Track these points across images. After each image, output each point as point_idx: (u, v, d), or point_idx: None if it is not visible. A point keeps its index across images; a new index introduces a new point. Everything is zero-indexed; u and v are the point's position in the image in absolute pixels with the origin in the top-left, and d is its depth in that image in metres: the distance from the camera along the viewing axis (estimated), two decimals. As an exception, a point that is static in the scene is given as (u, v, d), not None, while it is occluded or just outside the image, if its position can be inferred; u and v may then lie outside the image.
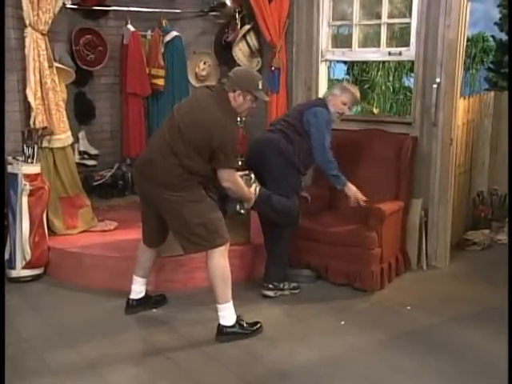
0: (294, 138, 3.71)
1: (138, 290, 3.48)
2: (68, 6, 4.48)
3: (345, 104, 3.85)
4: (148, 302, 3.54)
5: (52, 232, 4.20)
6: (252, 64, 5.04)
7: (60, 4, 4.09)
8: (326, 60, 4.81)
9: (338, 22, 4.80)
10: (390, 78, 6.50)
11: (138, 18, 4.95)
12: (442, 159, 4.21)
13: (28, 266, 3.95)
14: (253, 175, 3.51)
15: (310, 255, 4.03)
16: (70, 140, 4.36)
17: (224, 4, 5.01)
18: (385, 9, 4.46)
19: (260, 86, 3.18)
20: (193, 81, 5.31)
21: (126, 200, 5.10)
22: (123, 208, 4.95)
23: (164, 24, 4.97)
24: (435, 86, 4.12)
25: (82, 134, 4.93)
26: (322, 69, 4.80)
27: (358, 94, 3.93)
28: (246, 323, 3.22)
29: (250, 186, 3.45)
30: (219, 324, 3.16)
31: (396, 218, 4.09)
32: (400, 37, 5.13)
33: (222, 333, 3.15)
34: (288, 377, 2.83)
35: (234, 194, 3.27)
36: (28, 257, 3.94)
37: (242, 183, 3.29)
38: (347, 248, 3.87)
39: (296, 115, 3.82)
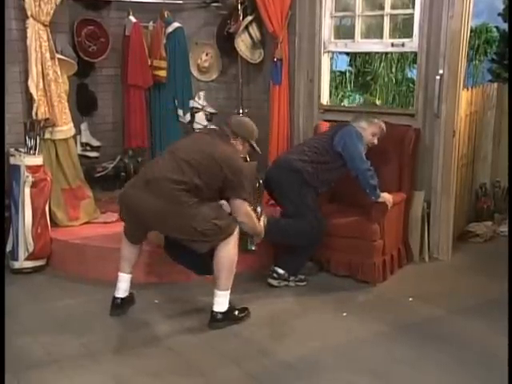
0: (312, 157, 3.77)
1: (124, 287, 3.40)
2: (70, -4, 4.46)
3: (374, 135, 3.91)
4: (132, 299, 3.47)
5: (54, 223, 4.21)
6: (254, 55, 5.02)
7: (62, -6, 4.08)
8: (328, 51, 4.78)
9: (341, 13, 4.77)
10: (393, 70, 6.47)
11: (140, 9, 4.92)
12: (444, 151, 4.20)
13: (31, 257, 3.97)
14: (259, 208, 3.50)
15: (312, 247, 4.04)
16: (72, 131, 4.36)
17: (226, -5, 4.98)
18: (388, 0, 4.44)
19: (255, 134, 3.40)
20: (195, 72, 5.29)
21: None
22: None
23: (166, 15, 4.95)
24: (438, 77, 4.10)
25: (84, 126, 4.92)
26: (325, 60, 4.78)
27: (384, 126, 3.97)
28: (237, 309, 3.29)
29: (259, 218, 3.43)
30: (213, 310, 3.20)
31: (398, 210, 4.09)
32: (403, 28, 5.10)
33: (215, 319, 3.19)
34: (290, 367, 2.84)
35: (247, 228, 3.28)
36: (31, 248, 3.95)
37: (255, 217, 3.32)
38: (349, 240, 3.87)
39: (322, 139, 3.94)
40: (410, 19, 4.37)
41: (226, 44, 5.15)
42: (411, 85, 6.28)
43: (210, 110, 5.28)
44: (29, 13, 3.95)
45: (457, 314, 3.40)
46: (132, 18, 4.82)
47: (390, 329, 3.24)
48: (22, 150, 4.03)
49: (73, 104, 4.59)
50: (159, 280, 3.82)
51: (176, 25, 4.98)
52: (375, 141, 3.94)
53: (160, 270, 3.85)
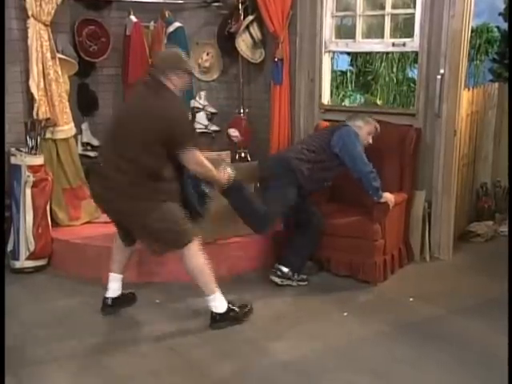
0: (309, 156, 3.76)
1: (114, 287, 3.38)
2: (71, -4, 4.46)
3: (369, 134, 3.91)
4: (124, 300, 3.45)
5: (55, 223, 4.22)
6: (255, 55, 5.02)
7: (63, -6, 4.08)
8: (329, 51, 4.78)
9: (342, 13, 4.76)
10: (394, 69, 6.47)
11: (141, 9, 4.92)
12: (445, 151, 4.20)
13: (32, 257, 3.97)
14: (228, 160, 3.44)
15: (313, 247, 4.03)
16: (73, 131, 4.36)
17: (227, -6, 4.98)
18: (389, -1, 4.45)
19: (185, 58, 3.22)
20: (196, 72, 5.28)
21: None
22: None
23: (167, 15, 4.94)
24: (439, 77, 4.10)
25: (85, 126, 4.92)
26: (326, 60, 4.77)
27: (378, 125, 3.98)
28: (238, 307, 3.27)
29: (223, 169, 3.33)
30: (212, 312, 3.21)
31: (399, 210, 4.08)
32: (404, 28, 5.09)
33: (216, 320, 3.20)
34: (290, 367, 2.84)
35: (202, 175, 3.19)
36: (32, 248, 3.95)
37: (209, 164, 3.15)
38: (350, 239, 3.87)
39: (320, 137, 3.91)
40: (410, 19, 4.37)
41: (226, 44, 5.15)
42: (412, 84, 6.27)
43: (211, 109, 5.28)
44: (30, 12, 3.95)
45: (457, 314, 3.40)
46: (133, 18, 4.82)
47: (390, 328, 3.24)
48: (22, 149, 4.03)
49: (74, 104, 4.59)
50: (160, 279, 3.82)
51: (177, 24, 4.97)
52: (370, 140, 3.93)
53: (161, 269, 3.85)
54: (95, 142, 5.05)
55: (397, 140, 4.17)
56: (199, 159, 3.07)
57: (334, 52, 4.96)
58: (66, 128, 4.27)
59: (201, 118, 5.26)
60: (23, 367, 2.80)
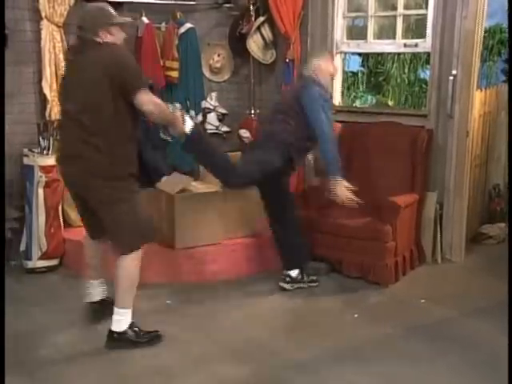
0: (294, 127, 3.57)
1: (96, 292, 3.25)
2: (83, -2, 4.48)
3: (328, 68, 3.71)
4: (108, 306, 3.11)
5: (67, 223, 4.24)
6: (266, 56, 5.02)
7: (76, -4, 4.11)
8: (340, 52, 4.77)
9: (353, 14, 4.76)
10: (406, 70, 6.45)
11: (153, 10, 4.93)
12: (457, 152, 4.17)
13: (44, 256, 4.00)
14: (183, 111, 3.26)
15: (324, 248, 4.03)
16: (85, 132, 4.38)
17: (238, -5, 4.99)
18: (401, 0, 4.42)
19: (113, 12, 2.92)
20: (207, 73, 5.29)
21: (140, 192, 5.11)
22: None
23: (178, 16, 4.95)
24: (451, 77, 4.08)
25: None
26: (337, 61, 4.76)
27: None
28: (141, 331, 2.99)
29: (181, 118, 3.14)
30: (110, 329, 2.94)
31: (411, 211, 4.07)
32: (416, 28, 5.07)
33: (113, 339, 2.93)
34: (301, 368, 2.83)
35: (160, 118, 2.95)
36: (44, 248, 3.98)
37: (163, 104, 2.95)
38: (361, 241, 3.86)
39: (290, 103, 3.67)
40: (422, 19, 4.35)
41: (237, 45, 5.15)
42: (424, 85, 6.23)
43: (222, 110, 5.28)
44: (43, 14, 3.99)
45: (469, 316, 3.38)
46: (145, 20, 4.83)
47: (401, 330, 3.22)
48: (35, 150, 4.06)
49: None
50: (172, 280, 3.82)
51: (188, 26, 4.98)
52: (335, 70, 3.88)
53: (173, 270, 3.86)
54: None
55: (408, 141, 4.15)
56: (154, 98, 2.87)
57: (345, 53, 4.95)
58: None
59: (212, 118, 5.26)
60: (37, 367, 2.82)
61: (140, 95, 2.77)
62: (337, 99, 4.83)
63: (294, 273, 3.75)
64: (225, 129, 5.27)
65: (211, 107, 5.25)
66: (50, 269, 4.03)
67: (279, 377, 2.77)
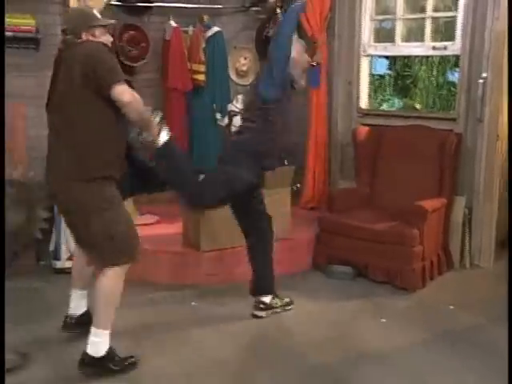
0: (259, 127, 3.12)
1: (75, 305, 3.04)
2: (112, 2, 4.54)
3: (304, 59, 3.27)
4: (90, 319, 2.86)
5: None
6: (293, 59, 5.02)
7: (105, 0, 4.16)
8: (367, 55, 4.74)
9: (381, 16, 4.72)
10: (434, 73, 6.37)
11: (180, 14, 4.98)
12: (487, 156, 4.11)
13: (72, 257, 4.03)
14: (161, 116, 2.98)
15: (350, 252, 4.01)
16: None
17: (265, -1, 4.99)
18: (430, 2, 4.37)
19: (98, 15, 2.77)
20: (233, 76, 5.32)
21: (167, 194, 5.14)
22: (164, 202, 4.99)
23: (205, 19, 4.99)
24: (481, 80, 4.02)
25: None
26: (364, 64, 4.74)
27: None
28: (118, 357, 2.74)
29: (158, 127, 2.92)
30: (86, 352, 2.67)
31: (438, 216, 4.01)
32: (445, 31, 5.02)
33: (87, 363, 2.67)
34: (326, 371, 2.82)
35: (134, 112, 2.62)
36: (72, 248, 4.02)
37: (142, 101, 2.65)
38: (388, 245, 3.82)
39: (250, 103, 3.32)
40: (452, 22, 4.30)
41: (264, 48, 5.15)
42: (452, 88, 6.15)
43: (248, 113, 5.30)
44: (73, 18, 4.04)
45: (497, 323, 3.31)
46: (172, 23, 4.88)
47: (429, 336, 3.18)
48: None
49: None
50: (197, 282, 3.83)
51: (215, 29, 5.01)
52: (308, 57, 3.41)
53: (198, 272, 3.87)
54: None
55: (437, 145, 4.10)
56: (132, 93, 2.58)
57: (372, 56, 4.92)
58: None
59: (237, 121, 5.27)
60: (63, 364, 2.84)
61: (116, 87, 2.53)
62: (363, 102, 4.79)
63: (268, 298, 3.40)
64: (251, 132, 5.29)
65: (237, 110, 5.27)
66: (77, 269, 4.07)
67: (304, 381, 2.76)
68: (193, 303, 3.59)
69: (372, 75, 5.03)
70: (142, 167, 2.98)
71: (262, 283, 3.41)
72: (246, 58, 5.31)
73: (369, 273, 3.95)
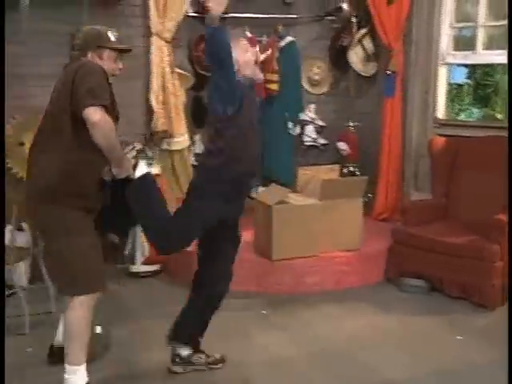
0: (221, 144, 2.65)
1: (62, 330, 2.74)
2: (190, 14, 4.65)
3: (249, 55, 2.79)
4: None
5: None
6: (367, 68, 4.97)
7: (183, 12, 4.28)
8: (446, 63, 4.61)
9: (461, 24, 4.58)
10: (517, 82, 6.12)
11: (254, 24, 5.02)
12: None
13: (147, 261, 4.15)
14: (149, 153, 2.81)
15: (423, 265, 3.90)
16: (188, 143, 4.53)
17: (340, 8, 4.96)
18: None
19: (112, 38, 2.59)
20: (306, 85, 5.32)
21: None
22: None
23: (280, 29, 5.02)
24: None
25: (198, 137, 5.09)
26: (442, 72, 4.61)
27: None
28: None
29: (134, 160, 2.67)
30: None
31: (520, 230, 3.83)
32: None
33: None
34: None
35: (102, 141, 2.36)
36: (146, 253, 4.13)
37: (112, 128, 2.40)
38: (466, 259, 3.68)
39: (209, 119, 2.82)
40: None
41: (337, 57, 5.14)
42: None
43: (320, 123, 5.28)
44: (153, 30, 4.19)
45: None
46: (247, 33, 4.92)
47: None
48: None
49: (188, 116, 4.77)
50: (268, 291, 3.83)
51: (289, 38, 5.03)
52: (253, 57, 2.82)
53: (269, 280, 3.87)
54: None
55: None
56: (103, 115, 2.34)
57: (450, 64, 4.78)
58: (181, 139, 4.44)
59: (309, 131, 5.27)
60: (137, 362, 2.92)
61: (89, 107, 2.32)
62: (441, 112, 4.66)
63: (186, 351, 2.89)
64: (322, 141, 5.26)
65: (309, 119, 5.26)
66: (152, 274, 4.17)
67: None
68: (263, 311, 3.59)
69: (450, 84, 4.88)
70: (114, 203, 2.62)
71: (188, 329, 2.90)
72: (319, 68, 5.30)
73: (444, 287, 3.82)
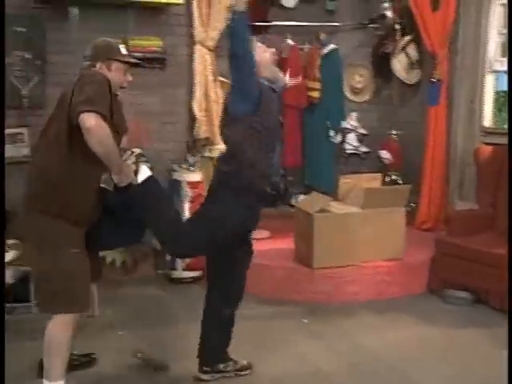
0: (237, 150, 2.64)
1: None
2: (233, 22, 4.69)
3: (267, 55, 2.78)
4: (79, 362, 2.77)
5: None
6: (410, 76, 4.91)
7: (226, 21, 4.31)
8: (493, 71, 4.51)
9: (509, 30, 4.48)
10: None
11: (297, 32, 5.04)
12: None
13: (188, 267, 4.18)
14: (144, 159, 2.65)
15: (468, 276, 3.81)
16: (229, 150, 4.55)
17: (384, 16, 4.92)
18: None
19: (123, 51, 2.61)
20: (348, 93, 5.29)
21: (277, 210, 5.18)
22: (275, 217, 5.02)
23: (322, 37, 5.01)
24: None
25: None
26: (489, 80, 4.51)
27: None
28: None
29: (134, 164, 2.59)
30: None
31: None
32: None
33: None
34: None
35: (99, 147, 2.31)
36: (187, 259, 4.16)
37: (108, 134, 2.32)
38: (512, 272, 3.57)
39: (223, 120, 2.82)
40: None
41: (380, 64, 5.10)
42: None
43: (362, 131, 5.24)
44: (197, 39, 4.26)
45: None
46: (290, 41, 4.95)
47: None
48: (183, 166, 4.29)
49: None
50: (308, 299, 3.80)
51: (331, 46, 5.02)
52: (270, 55, 2.83)
53: (310, 289, 3.85)
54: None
55: None
56: (98, 121, 2.28)
57: (498, 72, 4.67)
58: (223, 147, 4.46)
59: (351, 139, 5.24)
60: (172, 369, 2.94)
61: (84, 113, 2.28)
62: (487, 120, 4.56)
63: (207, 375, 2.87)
64: (364, 149, 5.22)
65: (351, 127, 5.23)
66: (194, 280, 4.18)
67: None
68: (304, 320, 3.57)
69: (497, 92, 4.77)
70: (117, 214, 2.60)
71: (203, 350, 2.88)
72: (361, 75, 5.27)
73: (489, 300, 3.72)
